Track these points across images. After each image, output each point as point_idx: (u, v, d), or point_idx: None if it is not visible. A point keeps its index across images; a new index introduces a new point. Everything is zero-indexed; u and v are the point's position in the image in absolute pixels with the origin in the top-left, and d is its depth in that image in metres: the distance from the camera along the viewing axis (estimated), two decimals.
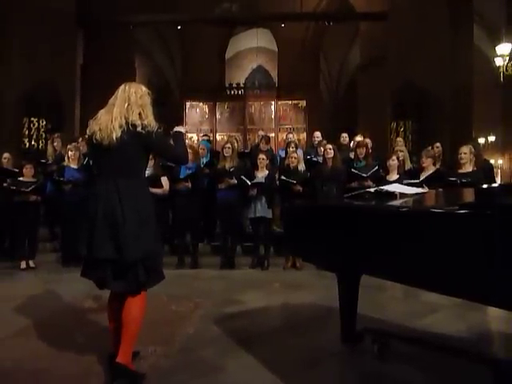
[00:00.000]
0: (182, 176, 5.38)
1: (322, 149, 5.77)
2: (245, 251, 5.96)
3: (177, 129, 2.51)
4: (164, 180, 5.35)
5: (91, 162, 2.54)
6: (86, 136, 2.39)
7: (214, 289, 4.34)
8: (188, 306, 3.64)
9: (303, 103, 12.83)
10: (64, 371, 2.33)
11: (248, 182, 5.25)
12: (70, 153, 5.45)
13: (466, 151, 4.73)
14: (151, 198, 2.38)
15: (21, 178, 5.35)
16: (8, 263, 5.31)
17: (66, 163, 5.48)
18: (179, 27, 12.19)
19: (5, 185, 5.32)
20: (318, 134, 7.01)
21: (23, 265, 5.22)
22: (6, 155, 5.80)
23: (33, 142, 8.83)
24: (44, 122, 8.88)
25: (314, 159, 6.16)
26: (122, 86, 2.32)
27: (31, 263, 5.26)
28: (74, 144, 5.72)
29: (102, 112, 2.29)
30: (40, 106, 8.79)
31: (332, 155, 5.40)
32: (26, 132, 8.81)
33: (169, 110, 14.59)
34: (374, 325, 2.87)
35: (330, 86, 18.24)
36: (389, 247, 1.91)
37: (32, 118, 8.80)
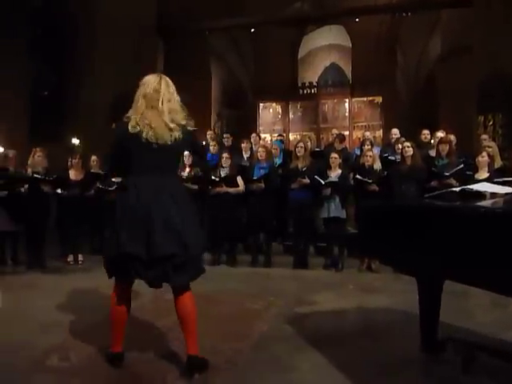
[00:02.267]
0: (255, 176, 5.48)
1: (400, 146, 5.51)
2: (318, 251, 5.91)
3: None
4: (239, 180, 5.51)
5: (111, 157, 2.39)
6: (117, 130, 2.30)
7: (286, 288, 4.35)
8: (261, 304, 3.69)
9: (379, 99, 12.41)
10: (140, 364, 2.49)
11: (322, 181, 5.19)
12: None
13: None
14: None
15: (114, 179, 5.72)
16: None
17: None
18: (252, 30, 12.41)
19: (99, 186, 5.82)
20: (395, 131, 6.71)
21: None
22: (93, 158, 6.30)
23: None
24: None
25: (391, 157, 5.91)
26: (163, 81, 2.24)
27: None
28: None
29: (141, 106, 2.20)
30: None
31: (411, 153, 5.14)
32: None
33: (243, 112, 14.95)
34: (458, 334, 2.68)
35: (408, 80, 17.33)
36: (477, 252, 1.77)
37: None
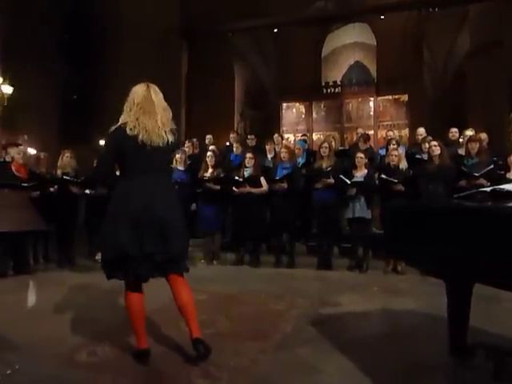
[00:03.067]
0: (278, 176, 5.47)
1: (427, 145, 5.39)
2: (342, 252, 5.84)
3: None
4: (263, 180, 5.51)
5: (104, 159, 2.50)
6: (112, 134, 2.38)
7: (310, 289, 4.32)
8: (284, 304, 3.68)
9: (405, 97, 12.17)
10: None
11: (347, 181, 5.13)
12: (177, 155, 5.86)
13: None
14: None
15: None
16: None
17: (173, 165, 5.93)
18: (275, 30, 12.40)
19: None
20: (421, 130, 6.57)
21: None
22: None
23: None
24: None
25: (418, 156, 5.78)
26: (152, 90, 2.41)
27: None
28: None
29: (136, 113, 2.34)
30: None
31: (438, 152, 5.02)
32: None
33: (266, 113, 14.94)
34: (489, 339, 2.60)
35: (435, 77, 16.93)
36: (508, 254, 1.71)
37: None
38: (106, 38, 10.78)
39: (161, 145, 2.35)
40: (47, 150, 7.22)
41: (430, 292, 3.42)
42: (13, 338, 2.77)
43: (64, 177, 5.48)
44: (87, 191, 5.75)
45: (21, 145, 6.31)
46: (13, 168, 5.17)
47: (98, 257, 5.87)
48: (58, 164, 5.74)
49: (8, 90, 6.07)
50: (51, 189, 5.48)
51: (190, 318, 2.37)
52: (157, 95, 2.43)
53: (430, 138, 5.75)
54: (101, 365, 2.43)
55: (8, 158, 5.47)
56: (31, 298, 4.33)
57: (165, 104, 2.45)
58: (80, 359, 2.49)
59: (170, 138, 2.39)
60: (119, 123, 2.39)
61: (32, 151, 7.86)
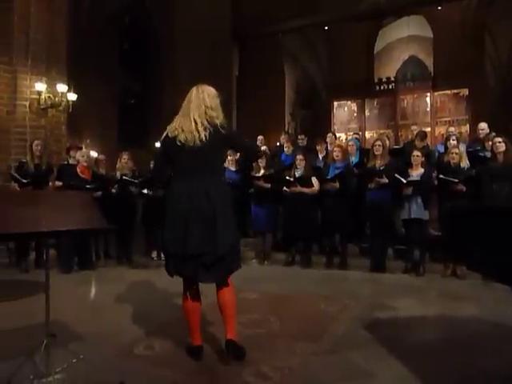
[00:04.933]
0: (329, 176, 5.40)
1: (490, 142, 5.06)
2: (397, 254, 5.64)
3: None
4: (314, 180, 5.46)
5: (156, 163, 2.78)
6: (162, 137, 2.50)
7: (363, 291, 4.22)
8: (336, 306, 3.63)
9: (465, 92, 11.51)
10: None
11: (403, 180, 4.95)
12: (229, 157, 5.96)
13: None
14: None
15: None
16: None
17: (225, 165, 6.05)
18: (326, 27, 12.22)
19: None
20: (483, 125, 6.16)
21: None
22: None
23: None
24: None
25: (481, 154, 5.43)
26: (195, 90, 2.46)
27: None
28: None
29: (178, 117, 2.44)
30: None
31: (503, 149, 4.68)
32: None
33: (316, 112, 14.79)
34: None
35: (498, 69, 15.84)
36: None
37: None
38: (160, 44, 11.22)
39: (198, 144, 2.34)
40: (106, 152, 7.64)
41: (494, 298, 3.22)
42: (78, 329, 2.96)
43: (123, 177, 5.75)
44: (145, 191, 6.00)
45: (82, 148, 6.72)
46: (78, 170, 5.52)
47: (154, 255, 6.16)
48: (117, 166, 6.04)
49: (72, 97, 6.49)
50: (112, 190, 5.78)
51: (227, 319, 2.42)
52: (198, 94, 2.43)
53: (494, 133, 5.40)
54: (157, 358, 2.53)
55: (72, 161, 5.85)
56: (94, 293, 4.60)
57: (202, 101, 2.40)
58: (138, 352, 2.62)
59: (205, 137, 2.33)
60: (168, 127, 2.48)
61: (93, 154, 8.34)
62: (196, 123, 2.36)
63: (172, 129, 2.42)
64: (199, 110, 2.39)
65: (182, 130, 2.37)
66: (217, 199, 2.36)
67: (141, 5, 11.16)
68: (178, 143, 2.37)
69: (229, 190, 2.54)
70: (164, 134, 2.49)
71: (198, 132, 2.34)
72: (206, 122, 2.37)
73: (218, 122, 2.40)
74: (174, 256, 2.37)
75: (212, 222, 2.32)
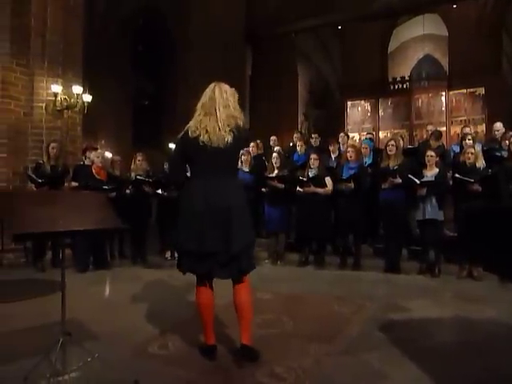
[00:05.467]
0: (344, 176, 5.37)
1: (507, 142, 4.97)
2: (411, 255, 5.58)
3: None
4: (328, 180, 5.44)
5: (172, 164, 2.77)
6: (180, 137, 2.46)
7: (377, 292, 4.18)
8: (350, 307, 3.60)
9: (481, 91, 11.32)
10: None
11: (417, 180, 4.89)
12: (243, 157, 5.95)
13: None
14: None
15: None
16: None
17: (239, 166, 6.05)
18: (339, 27, 12.16)
19: None
20: (498, 125, 6.06)
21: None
22: None
23: None
24: None
25: (497, 154, 5.34)
26: (217, 89, 2.41)
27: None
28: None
29: (200, 115, 2.38)
30: None
31: None
32: None
33: (330, 112, 14.72)
34: None
35: None
36: None
37: None
38: (174, 45, 11.30)
39: (222, 146, 2.33)
40: (121, 153, 7.73)
41: (511, 300, 3.16)
42: (93, 328, 3.00)
43: (137, 177, 5.81)
44: (159, 191, 6.05)
45: (97, 149, 6.80)
46: (93, 170, 5.60)
47: (168, 255, 6.20)
48: (132, 167, 6.10)
49: (88, 98, 6.58)
50: (127, 190, 5.83)
51: (243, 321, 2.41)
52: (222, 94, 2.39)
53: (511, 133, 5.30)
54: (171, 357, 2.55)
55: (87, 162, 5.93)
56: (109, 292, 4.65)
57: (227, 102, 2.39)
58: (152, 351, 2.64)
59: (230, 139, 2.33)
60: (187, 127, 2.44)
61: (108, 155, 8.44)
62: (223, 125, 2.34)
63: (193, 128, 2.38)
64: (226, 111, 2.37)
65: (206, 131, 2.33)
66: (233, 199, 2.37)
67: (155, 7, 11.25)
68: (201, 143, 2.34)
69: (244, 191, 2.53)
70: (182, 133, 2.45)
71: (226, 134, 2.33)
72: (232, 124, 2.36)
73: (240, 122, 2.41)
74: (189, 254, 2.37)
75: (228, 222, 2.32)
